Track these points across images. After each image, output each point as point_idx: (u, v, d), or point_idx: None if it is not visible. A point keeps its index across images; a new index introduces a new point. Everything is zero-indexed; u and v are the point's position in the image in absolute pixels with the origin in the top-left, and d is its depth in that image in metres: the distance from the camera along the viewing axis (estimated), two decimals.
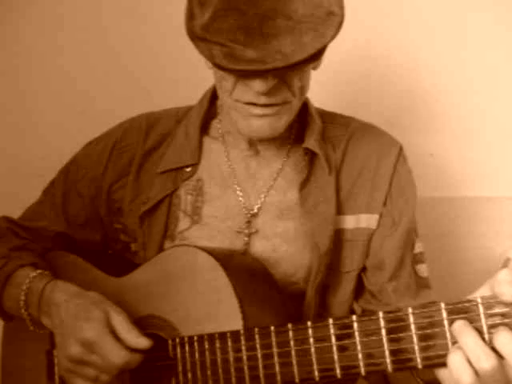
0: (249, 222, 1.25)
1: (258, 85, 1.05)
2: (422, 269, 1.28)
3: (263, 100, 1.09)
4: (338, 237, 1.25)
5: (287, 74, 1.09)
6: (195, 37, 1.06)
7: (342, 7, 1.06)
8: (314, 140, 1.25)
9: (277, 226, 1.25)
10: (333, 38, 1.04)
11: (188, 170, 1.29)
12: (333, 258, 1.25)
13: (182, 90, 1.46)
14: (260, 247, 1.25)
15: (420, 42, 1.75)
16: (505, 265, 1.42)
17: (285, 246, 1.25)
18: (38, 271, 1.22)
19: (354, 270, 1.27)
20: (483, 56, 1.72)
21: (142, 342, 1.07)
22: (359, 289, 1.31)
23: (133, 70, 1.92)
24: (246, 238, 1.25)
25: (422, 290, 1.27)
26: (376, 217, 1.26)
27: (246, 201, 1.27)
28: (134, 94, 1.90)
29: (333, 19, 1.04)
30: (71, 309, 1.11)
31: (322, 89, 1.41)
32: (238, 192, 1.27)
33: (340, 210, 1.25)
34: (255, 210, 1.26)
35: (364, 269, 1.29)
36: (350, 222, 1.26)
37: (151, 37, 1.87)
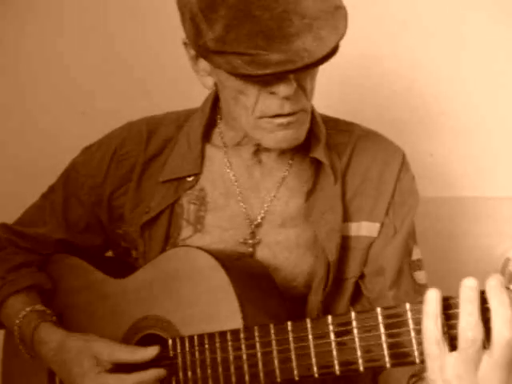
0: (253, 232, 1.25)
1: (284, 89, 1.04)
2: (421, 276, 1.28)
3: (287, 108, 1.08)
4: (344, 244, 1.25)
5: (303, 76, 1.09)
6: (209, 52, 1.03)
7: (341, 0, 1.07)
8: (320, 149, 1.25)
9: (279, 234, 1.25)
10: (346, 30, 1.04)
11: (190, 179, 1.28)
12: (337, 265, 1.25)
13: (183, 89, 1.46)
14: (261, 255, 1.25)
15: (420, 43, 1.76)
16: (505, 265, 1.43)
17: (286, 253, 1.25)
18: (28, 309, 1.25)
19: (353, 276, 1.27)
20: (483, 56, 1.72)
21: (145, 354, 1.12)
22: (356, 295, 1.30)
23: (134, 70, 1.92)
24: (250, 249, 1.25)
25: (419, 298, 1.26)
26: (377, 225, 1.26)
27: (249, 211, 1.26)
28: (135, 94, 1.91)
29: (340, 12, 1.04)
30: (62, 366, 1.16)
31: (321, 89, 1.40)
32: (241, 203, 1.27)
33: (345, 218, 1.25)
34: (259, 220, 1.26)
35: (362, 276, 1.28)
36: (353, 229, 1.26)
37: (152, 36, 1.88)
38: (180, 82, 1.69)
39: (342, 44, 1.05)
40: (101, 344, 1.14)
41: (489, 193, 1.77)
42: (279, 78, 1.04)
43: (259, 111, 1.10)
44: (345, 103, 1.47)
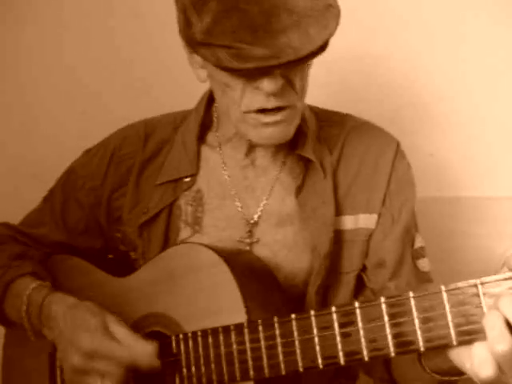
0: (250, 231, 1.26)
1: (268, 84, 1.05)
2: (424, 263, 1.28)
3: (273, 103, 1.09)
4: (338, 238, 1.25)
5: (292, 73, 1.09)
6: (197, 43, 1.05)
7: (336, 0, 1.08)
8: (308, 145, 1.26)
9: (276, 233, 1.26)
10: (335, 29, 1.05)
11: (187, 180, 1.30)
12: (333, 260, 1.25)
13: (183, 89, 1.47)
14: (260, 254, 1.25)
15: (420, 42, 1.76)
16: (505, 265, 1.42)
17: (284, 251, 1.25)
18: (38, 282, 1.23)
19: (354, 270, 1.27)
20: (483, 56, 1.72)
21: (147, 347, 1.09)
22: (359, 286, 1.31)
23: (134, 69, 1.93)
24: (247, 248, 1.26)
25: (423, 285, 1.26)
26: (375, 216, 1.26)
27: (245, 210, 1.27)
28: (135, 93, 1.91)
29: (332, 11, 1.05)
30: (69, 320, 1.13)
31: (322, 89, 1.42)
32: (236, 203, 1.28)
33: (339, 211, 1.26)
34: (255, 219, 1.27)
35: (364, 268, 1.28)
36: (348, 222, 1.26)
37: (153, 36, 1.88)
38: (180, 82, 1.69)
39: (342, 43, 1.06)
40: (114, 318, 1.13)
41: (489, 193, 1.77)
42: (263, 73, 1.05)
43: (245, 105, 1.11)
44: (344, 103, 1.47)
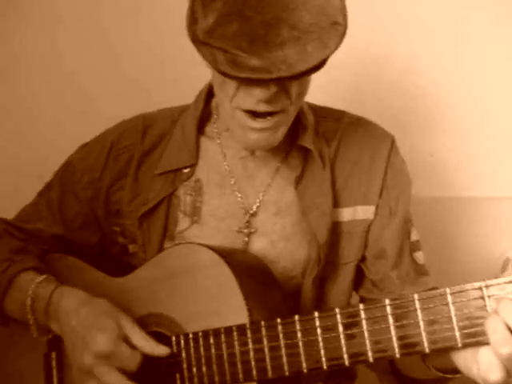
0: (248, 221, 1.27)
1: (260, 93, 1.06)
2: (419, 256, 1.30)
3: (263, 108, 1.09)
4: (335, 230, 1.27)
5: (287, 82, 1.10)
6: (197, 41, 1.06)
7: (345, 17, 1.06)
8: (308, 136, 1.27)
9: (275, 223, 1.27)
10: (336, 48, 1.04)
11: (186, 170, 1.30)
12: (330, 251, 1.26)
13: (182, 89, 1.47)
14: (259, 245, 1.26)
15: (420, 42, 1.76)
16: (505, 265, 1.44)
17: (283, 242, 1.26)
18: (44, 276, 1.22)
19: (353, 260, 1.29)
20: (483, 56, 1.73)
21: (160, 350, 1.10)
22: (359, 279, 1.33)
23: (133, 69, 1.92)
24: (245, 238, 1.26)
25: (420, 277, 1.28)
26: (372, 208, 1.28)
27: (244, 200, 1.28)
28: (134, 93, 1.90)
29: (337, 29, 1.04)
30: (81, 318, 1.12)
31: (322, 89, 1.42)
32: (236, 192, 1.28)
33: (336, 203, 1.27)
34: (254, 209, 1.27)
35: (363, 259, 1.30)
36: (346, 214, 1.27)
37: (151, 37, 1.87)
38: (179, 82, 1.69)
39: (343, 44, 1.05)
40: (127, 318, 1.13)
41: (489, 193, 1.78)
42: (256, 82, 1.05)
43: (236, 102, 1.12)
44: (344, 103, 1.47)
